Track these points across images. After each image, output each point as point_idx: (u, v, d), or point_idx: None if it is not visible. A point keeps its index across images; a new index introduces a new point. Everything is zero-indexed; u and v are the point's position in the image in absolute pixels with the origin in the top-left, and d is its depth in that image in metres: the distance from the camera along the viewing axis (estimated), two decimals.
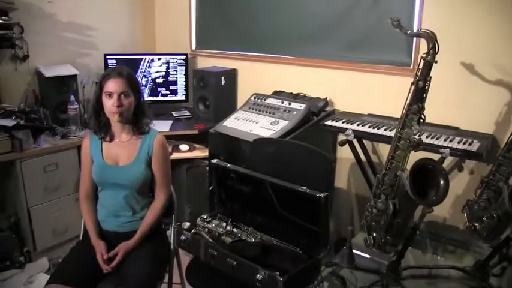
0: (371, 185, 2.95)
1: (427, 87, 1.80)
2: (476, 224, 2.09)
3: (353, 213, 3.42)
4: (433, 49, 1.79)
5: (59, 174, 3.13)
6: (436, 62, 1.80)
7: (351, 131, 2.71)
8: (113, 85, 2.15)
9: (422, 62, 1.81)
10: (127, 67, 2.30)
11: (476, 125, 2.74)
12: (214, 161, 2.37)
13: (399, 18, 2.03)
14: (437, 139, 2.55)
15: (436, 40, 1.80)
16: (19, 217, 3.09)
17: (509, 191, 1.81)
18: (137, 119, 2.27)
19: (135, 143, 2.27)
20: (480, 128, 2.73)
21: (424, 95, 1.81)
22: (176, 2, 4.13)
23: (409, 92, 1.82)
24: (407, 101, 1.83)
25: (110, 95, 2.15)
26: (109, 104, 2.16)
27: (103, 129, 2.27)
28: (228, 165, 2.31)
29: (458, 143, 2.51)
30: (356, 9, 3.12)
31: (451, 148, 2.39)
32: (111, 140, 2.28)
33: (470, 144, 2.48)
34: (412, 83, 1.81)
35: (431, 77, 1.80)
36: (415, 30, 1.88)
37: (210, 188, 3.14)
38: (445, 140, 2.55)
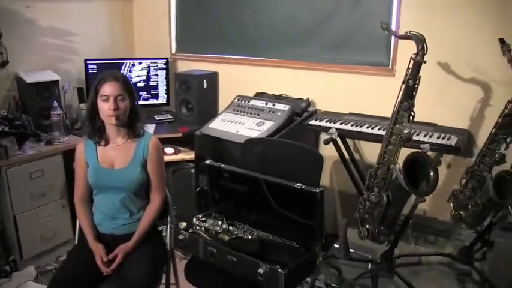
0: (355, 181, 3.06)
1: (416, 86, 1.91)
2: (461, 212, 2.23)
3: (336, 210, 3.52)
4: (422, 50, 1.91)
5: (45, 180, 3.11)
6: (425, 62, 1.91)
7: (334, 130, 2.81)
8: (109, 89, 2.18)
9: (412, 62, 1.91)
10: (119, 71, 2.33)
11: (452, 121, 2.89)
12: (208, 161, 2.42)
13: (387, 22, 2.13)
14: (417, 135, 2.67)
15: (425, 42, 1.91)
16: (5, 225, 3.06)
17: (493, 179, 1.94)
18: (132, 122, 2.29)
19: (130, 146, 2.30)
20: (456, 123, 2.88)
21: (414, 93, 1.92)
22: (155, 6, 4.17)
23: (400, 90, 1.93)
24: (399, 99, 1.93)
25: (107, 98, 2.18)
26: (105, 108, 2.18)
27: (98, 133, 2.29)
28: (222, 165, 2.36)
29: (438, 138, 2.65)
30: (336, 12, 3.23)
31: (430, 143, 2.51)
32: (106, 143, 2.30)
33: (448, 139, 2.62)
34: (403, 82, 1.92)
35: (420, 76, 1.91)
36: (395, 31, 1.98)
37: (198, 189, 3.22)
38: (424, 136, 2.68)
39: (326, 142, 2.83)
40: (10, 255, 3.08)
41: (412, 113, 1.93)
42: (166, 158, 3.40)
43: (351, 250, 2.44)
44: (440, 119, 2.92)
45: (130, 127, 2.30)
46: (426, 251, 2.51)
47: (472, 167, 2.23)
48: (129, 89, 2.25)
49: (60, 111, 3.33)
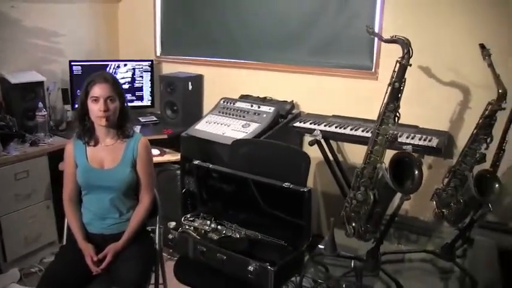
0: (339, 182, 3.13)
1: (402, 88, 1.98)
2: (444, 210, 2.31)
3: (320, 210, 3.58)
4: (408, 54, 1.98)
5: (30, 181, 3.10)
6: (411, 65, 1.98)
7: (319, 132, 2.87)
8: (99, 90, 2.20)
9: (397, 65, 1.98)
10: (109, 73, 2.35)
11: (433, 123, 2.98)
12: (196, 162, 2.45)
13: (373, 27, 2.20)
14: (400, 137, 2.75)
15: (410, 46, 1.99)
16: None
17: (474, 178, 2.02)
18: (121, 123, 2.33)
19: (119, 146, 2.33)
20: (437, 125, 2.97)
21: (399, 95, 1.98)
22: (141, 8, 4.18)
23: (386, 92, 1.99)
24: (385, 101, 2.00)
25: (97, 99, 2.20)
26: (95, 109, 2.21)
27: (87, 134, 2.31)
28: (210, 165, 2.40)
29: (419, 139, 2.74)
30: (321, 16, 3.31)
31: (412, 145, 2.59)
32: (96, 144, 2.32)
33: (429, 141, 2.72)
34: (389, 84, 1.98)
35: (405, 79, 1.98)
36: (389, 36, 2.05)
37: (183, 190, 3.25)
38: (406, 138, 2.77)
39: (311, 143, 2.88)
40: None
41: (398, 115, 2.00)
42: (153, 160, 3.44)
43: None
44: (421, 121, 3.01)
45: (119, 128, 2.33)
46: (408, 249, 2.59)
47: (454, 166, 2.31)
48: (119, 90, 2.28)
49: (45, 112, 3.32)
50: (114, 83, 2.28)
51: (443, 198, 2.32)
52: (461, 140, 2.86)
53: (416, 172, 1.89)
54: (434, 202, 2.38)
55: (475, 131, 2.24)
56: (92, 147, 2.32)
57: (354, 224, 2.12)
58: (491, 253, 2.40)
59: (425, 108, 3.02)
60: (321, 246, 2.28)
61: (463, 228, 2.23)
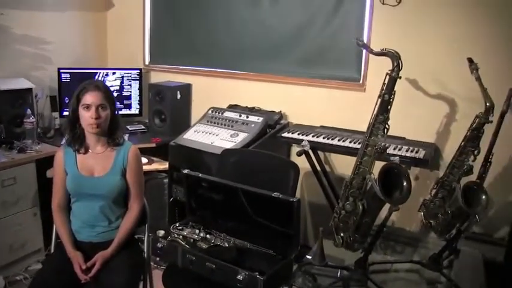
0: (326, 192, 3.16)
1: (391, 100, 2.02)
2: (431, 221, 2.35)
3: (306, 221, 3.60)
4: (397, 66, 2.02)
5: (17, 188, 3.07)
6: (400, 77, 2.03)
7: (306, 142, 2.90)
8: (91, 98, 2.21)
9: (387, 77, 2.02)
10: (101, 81, 2.36)
11: (420, 135, 3.02)
12: (185, 171, 2.46)
13: (362, 39, 2.24)
14: (387, 148, 2.79)
15: (400, 59, 2.03)
16: None
17: (461, 189, 2.06)
18: (112, 131, 2.33)
19: (109, 154, 2.33)
20: (424, 137, 3.01)
21: (389, 107, 2.03)
22: (130, 17, 4.20)
23: (376, 104, 2.03)
24: (374, 112, 2.03)
25: (88, 107, 2.21)
26: (87, 116, 2.21)
27: (78, 141, 2.31)
28: (200, 174, 2.41)
29: (406, 151, 2.77)
30: (309, 27, 3.35)
31: (400, 156, 2.63)
32: (86, 151, 2.32)
33: (417, 152, 2.75)
34: (379, 96, 2.02)
35: (395, 91, 2.02)
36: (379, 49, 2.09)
37: (171, 199, 3.25)
38: (394, 149, 2.80)
39: (299, 154, 2.92)
40: None
41: (387, 126, 2.04)
42: None
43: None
44: (408, 133, 3.06)
45: (110, 136, 2.33)
46: (394, 259, 2.62)
47: (442, 177, 2.36)
48: (110, 98, 2.29)
49: (34, 119, 3.31)
50: (106, 91, 2.29)
51: (431, 209, 2.36)
52: (448, 152, 2.91)
53: (405, 183, 1.93)
54: (422, 213, 2.42)
55: (462, 143, 2.29)
56: (82, 154, 2.32)
57: (342, 234, 2.15)
58: (477, 263, 2.45)
59: (412, 120, 3.07)
60: (308, 257, 2.30)
61: (450, 239, 2.27)
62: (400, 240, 2.74)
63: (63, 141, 2.49)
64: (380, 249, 2.85)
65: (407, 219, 2.95)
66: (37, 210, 3.21)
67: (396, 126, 2.95)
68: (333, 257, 2.31)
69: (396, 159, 2.35)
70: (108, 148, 2.34)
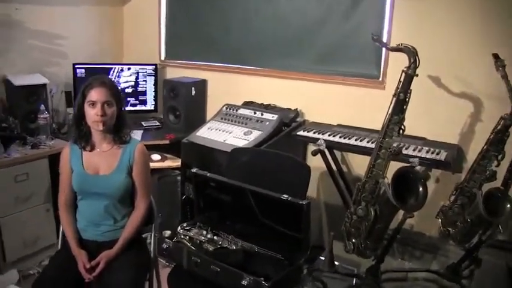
0: (342, 193, 3.06)
1: (407, 99, 1.91)
2: (450, 229, 2.21)
3: (322, 221, 3.51)
4: (414, 63, 1.90)
5: (30, 184, 3.07)
6: (417, 75, 1.91)
7: (322, 141, 2.81)
8: (96, 94, 2.16)
9: (403, 75, 1.91)
10: (108, 77, 2.31)
11: (442, 136, 2.89)
12: (194, 170, 2.40)
13: (379, 34, 2.13)
14: (406, 149, 2.67)
15: (417, 54, 1.91)
16: None
17: (483, 196, 1.93)
18: (118, 128, 2.28)
19: (116, 152, 2.29)
20: (446, 138, 2.88)
21: (405, 107, 1.92)
22: (146, 12, 4.15)
23: (391, 104, 1.93)
24: (389, 112, 1.93)
25: (94, 104, 2.16)
26: (92, 113, 2.17)
27: (84, 139, 2.27)
28: (208, 174, 2.35)
29: (427, 152, 2.65)
30: (327, 23, 3.24)
31: (420, 157, 2.51)
32: (92, 149, 2.28)
33: (438, 154, 2.62)
34: (394, 95, 1.91)
35: (411, 90, 1.91)
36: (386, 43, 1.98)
37: (183, 197, 3.20)
38: (413, 150, 2.68)
39: (314, 153, 2.83)
40: None
41: (402, 127, 1.93)
42: (153, 165, 3.39)
43: (337, 263, 2.44)
44: (429, 133, 2.93)
45: (116, 133, 2.29)
46: (412, 266, 2.51)
47: (461, 183, 2.21)
48: (116, 95, 2.24)
49: (48, 115, 3.30)
50: (112, 87, 2.24)
51: (449, 216, 2.23)
52: (472, 154, 2.75)
53: (421, 189, 1.82)
54: (440, 220, 2.29)
55: (485, 146, 2.14)
56: (88, 152, 2.28)
57: (353, 240, 2.05)
58: (501, 274, 2.30)
59: (434, 120, 2.94)
60: (322, 258, 2.22)
61: (470, 248, 2.13)
62: (418, 246, 2.62)
63: None
64: (397, 254, 2.75)
65: (427, 224, 2.83)
66: (50, 206, 3.20)
67: (417, 126, 2.87)
68: (347, 260, 2.22)
69: (416, 160, 2.25)
70: (114, 146, 2.29)
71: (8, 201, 2.98)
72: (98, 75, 2.32)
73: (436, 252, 2.53)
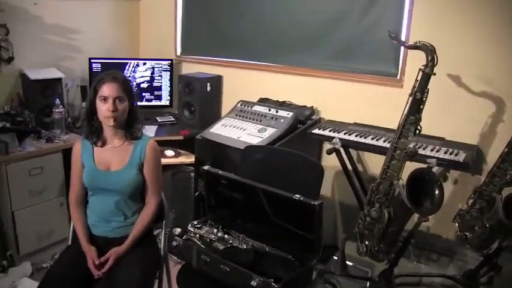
0: (357, 193, 3.00)
1: (424, 99, 1.85)
2: (467, 233, 2.13)
3: (336, 221, 3.46)
4: (432, 61, 1.84)
5: (44, 177, 3.09)
6: (435, 74, 1.85)
7: (338, 140, 2.75)
8: (108, 90, 2.14)
9: (420, 73, 1.85)
10: (120, 72, 2.29)
11: (461, 136, 2.80)
12: (206, 167, 2.37)
13: (396, 31, 2.07)
14: (423, 149, 2.61)
15: (435, 52, 1.85)
16: (2, 220, 3.03)
17: (503, 201, 1.85)
18: (130, 124, 2.26)
19: (127, 148, 2.27)
20: (465, 139, 2.79)
21: (421, 106, 1.85)
22: (162, 7, 4.14)
23: (407, 103, 1.87)
24: (405, 112, 1.87)
25: (105, 99, 2.14)
26: (104, 109, 2.15)
27: (95, 134, 2.26)
28: (220, 171, 2.32)
29: (445, 153, 2.57)
30: (345, 19, 3.17)
31: (437, 158, 2.44)
32: (103, 145, 2.27)
33: (456, 155, 2.55)
34: (410, 94, 1.85)
35: (428, 89, 1.84)
36: (405, 41, 1.92)
37: (196, 194, 3.18)
38: (431, 150, 2.61)
39: (329, 152, 2.77)
40: (7, 250, 3.06)
41: (419, 127, 1.86)
42: (166, 161, 3.39)
43: (351, 264, 2.39)
44: (448, 133, 2.85)
45: (128, 129, 2.27)
46: (428, 269, 2.43)
47: (480, 186, 2.12)
48: (128, 90, 2.22)
49: (63, 109, 3.32)
50: (124, 82, 2.21)
51: (466, 220, 2.14)
52: (492, 156, 2.67)
53: (437, 192, 1.75)
54: (457, 224, 2.21)
55: (506, 149, 2.05)
56: (99, 147, 2.27)
57: (366, 243, 1.99)
58: None
59: (454, 120, 2.85)
60: (335, 257, 2.18)
61: (489, 254, 2.04)
62: (435, 249, 2.55)
63: None
64: (413, 256, 2.68)
65: (445, 227, 2.73)
66: (63, 200, 3.21)
67: (435, 125, 2.80)
68: (361, 261, 2.17)
69: (433, 161, 2.18)
70: (125, 142, 2.27)
71: (22, 195, 3.00)
72: (110, 70, 2.30)
73: (453, 257, 2.45)
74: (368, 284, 2.05)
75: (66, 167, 3.14)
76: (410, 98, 1.86)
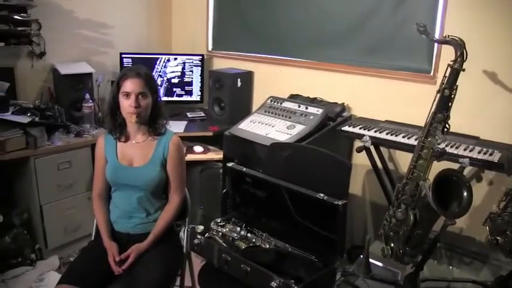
0: (387, 192, 2.91)
1: (453, 96, 1.75)
2: (498, 238, 2.02)
3: (367, 221, 3.37)
4: (461, 57, 1.74)
5: (72, 172, 3.12)
6: (464, 70, 1.75)
7: (368, 138, 2.66)
8: (131, 85, 2.12)
9: (449, 69, 1.75)
10: (145, 67, 2.27)
11: (496, 135, 2.67)
12: (230, 164, 2.33)
13: (425, 24, 1.98)
14: (456, 148, 2.49)
15: (465, 47, 1.75)
16: (31, 214, 3.09)
17: None
18: (153, 119, 2.24)
19: (150, 144, 2.25)
20: (501, 138, 2.66)
21: (450, 104, 1.76)
22: (194, 2, 4.12)
23: (434, 100, 1.77)
24: (432, 110, 1.78)
25: (128, 95, 2.13)
26: (126, 105, 2.13)
27: (118, 129, 2.24)
28: (244, 169, 2.28)
29: (479, 153, 2.45)
30: (376, 13, 3.07)
31: (470, 158, 2.32)
32: (127, 140, 2.26)
33: (491, 155, 2.42)
34: (438, 91, 1.76)
35: (457, 86, 1.74)
36: (439, 36, 1.82)
37: (224, 191, 3.14)
38: (464, 150, 2.49)
39: (358, 150, 2.69)
40: (36, 244, 3.11)
41: (447, 126, 1.77)
42: (194, 157, 3.38)
43: (380, 264, 2.31)
44: (483, 132, 2.72)
45: (151, 125, 2.24)
46: (459, 273, 2.33)
47: None
48: (152, 86, 2.20)
49: (92, 104, 3.33)
50: (148, 78, 2.19)
51: (497, 224, 2.03)
52: None
53: (465, 194, 1.66)
54: (488, 227, 2.10)
55: None
56: (122, 143, 2.25)
57: (392, 245, 1.91)
58: None
59: (489, 118, 2.72)
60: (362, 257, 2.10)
61: None
62: (466, 252, 2.43)
63: None
64: (445, 258, 2.58)
65: (478, 229, 2.61)
66: (91, 194, 3.18)
67: (469, 124, 2.69)
68: (388, 261, 2.08)
69: (466, 161, 2.07)
70: (149, 137, 2.25)
71: (51, 189, 3.04)
72: (135, 65, 2.28)
73: (486, 261, 2.34)
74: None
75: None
76: (438, 94, 1.76)
